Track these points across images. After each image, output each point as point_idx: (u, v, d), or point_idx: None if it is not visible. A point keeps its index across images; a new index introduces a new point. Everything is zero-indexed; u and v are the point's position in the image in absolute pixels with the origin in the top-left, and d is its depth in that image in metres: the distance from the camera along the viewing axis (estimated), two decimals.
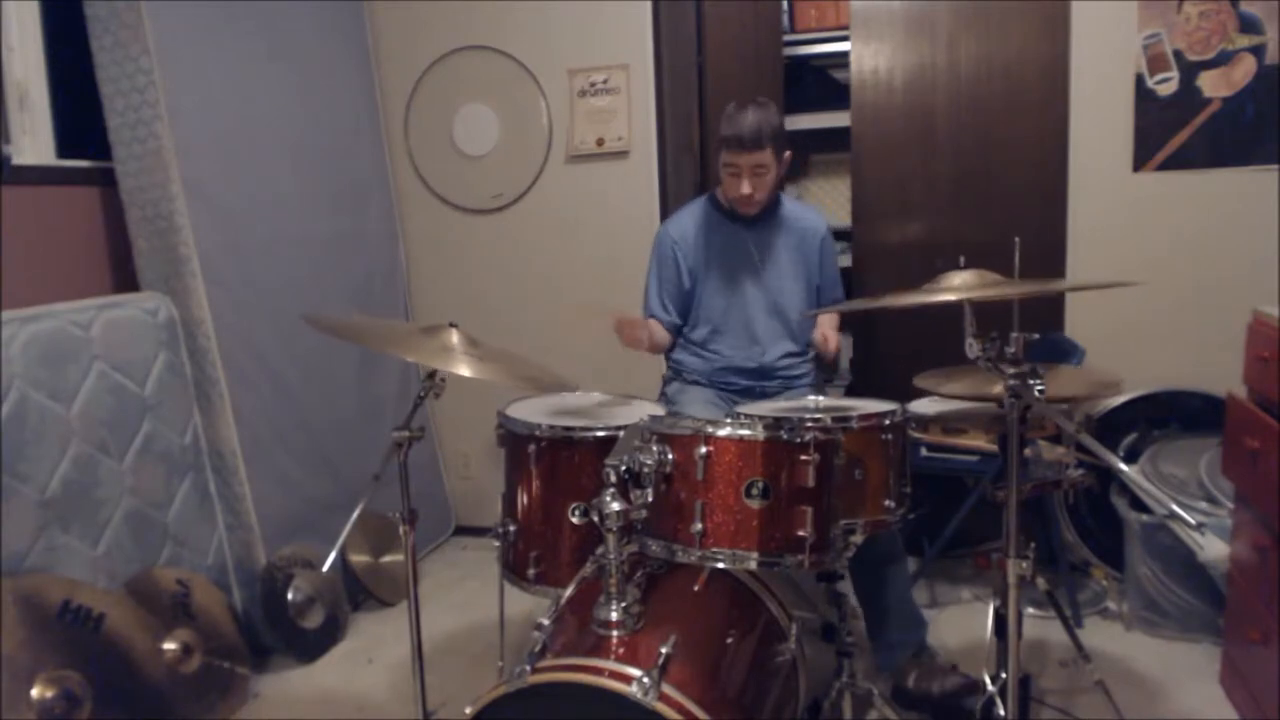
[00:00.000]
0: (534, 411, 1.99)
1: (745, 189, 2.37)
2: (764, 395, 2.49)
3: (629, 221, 3.22)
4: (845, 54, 3.12)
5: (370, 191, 3.27)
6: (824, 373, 2.73)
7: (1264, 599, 1.99)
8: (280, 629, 2.54)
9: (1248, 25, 2.68)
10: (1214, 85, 2.73)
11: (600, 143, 3.20)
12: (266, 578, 2.55)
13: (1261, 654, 2.00)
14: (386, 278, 3.33)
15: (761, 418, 1.74)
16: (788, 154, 2.44)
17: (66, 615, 1.97)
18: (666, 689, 1.36)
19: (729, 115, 2.36)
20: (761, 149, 2.32)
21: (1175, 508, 1.79)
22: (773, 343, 2.53)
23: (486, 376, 1.75)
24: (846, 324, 2.58)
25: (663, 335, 2.57)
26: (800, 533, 1.52)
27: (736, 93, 3.38)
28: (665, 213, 3.20)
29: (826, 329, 2.52)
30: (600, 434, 1.84)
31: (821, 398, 2.21)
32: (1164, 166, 2.80)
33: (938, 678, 2.14)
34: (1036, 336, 1.65)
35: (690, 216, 2.59)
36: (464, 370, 1.72)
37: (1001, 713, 1.68)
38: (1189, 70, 2.73)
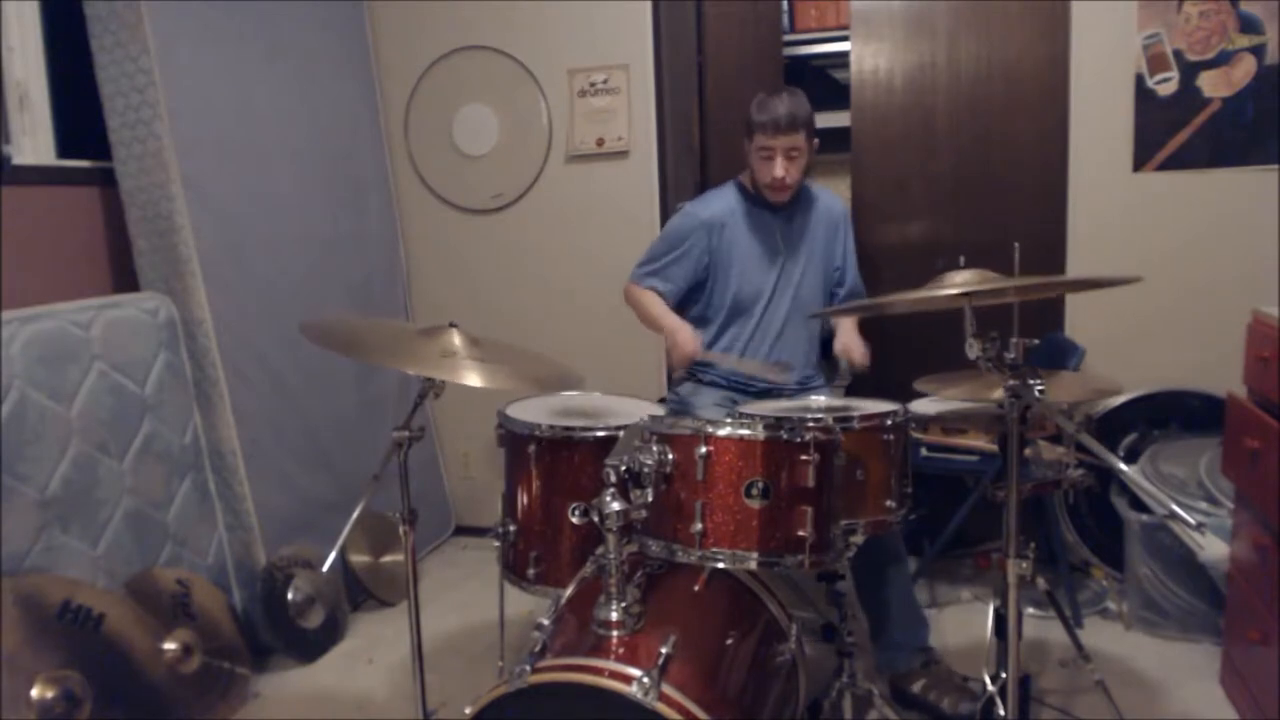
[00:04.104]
0: (534, 411, 1.99)
1: (779, 171, 2.38)
2: (780, 394, 2.49)
3: (629, 221, 3.22)
4: (845, 54, 3.12)
5: (370, 191, 3.27)
6: (831, 373, 2.74)
7: (1264, 599, 1.99)
8: (280, 629, 2.54)
9: (1248, 25, 2.68)
10: (1214, 85, 2.73)
11: (600, 143, 3.20)
12: (266, 578, 2.55)
13: (1261, 654, 2.00)
14: (386, 278, 3.33)
15: (762, 418, 1.74)
16: (816, 141, 2.45)
17: (66, 615, 1.97)
18: (666, 689, 1.36)
19: (761, 101, 2.37)
20: (796, 131, 2.35)
21: (1175, 508, 1.78)
22: (792, 336, 2.53)
23: (489, 383, 1.75)
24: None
25: (661, 306, 2.50)
26: (800, 533, 1.52)
27: (736, 93, 3.39)
28: (665, 213, 3.20)
29: (846, 339, 2.50)
30: (600, 434, 1.84)
31: (822, 398, 2.21)
32: (1164, 166, 2.80)
33: (949, 694, 2.14)
34: (1036, 342, 1.65)
35: (722, 201, 2.55)
36: (468, 380, 1.72)
37: (1001, 713, 1.68)
38: (1189, 70, 2.73)
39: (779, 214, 2.53)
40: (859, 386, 2.97)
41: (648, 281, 2.54)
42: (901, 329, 3.02)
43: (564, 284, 3.34)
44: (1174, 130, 2.77)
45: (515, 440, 1.92)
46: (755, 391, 2.52)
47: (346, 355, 1.94)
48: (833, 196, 2.66)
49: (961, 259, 1.82)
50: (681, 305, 2.57)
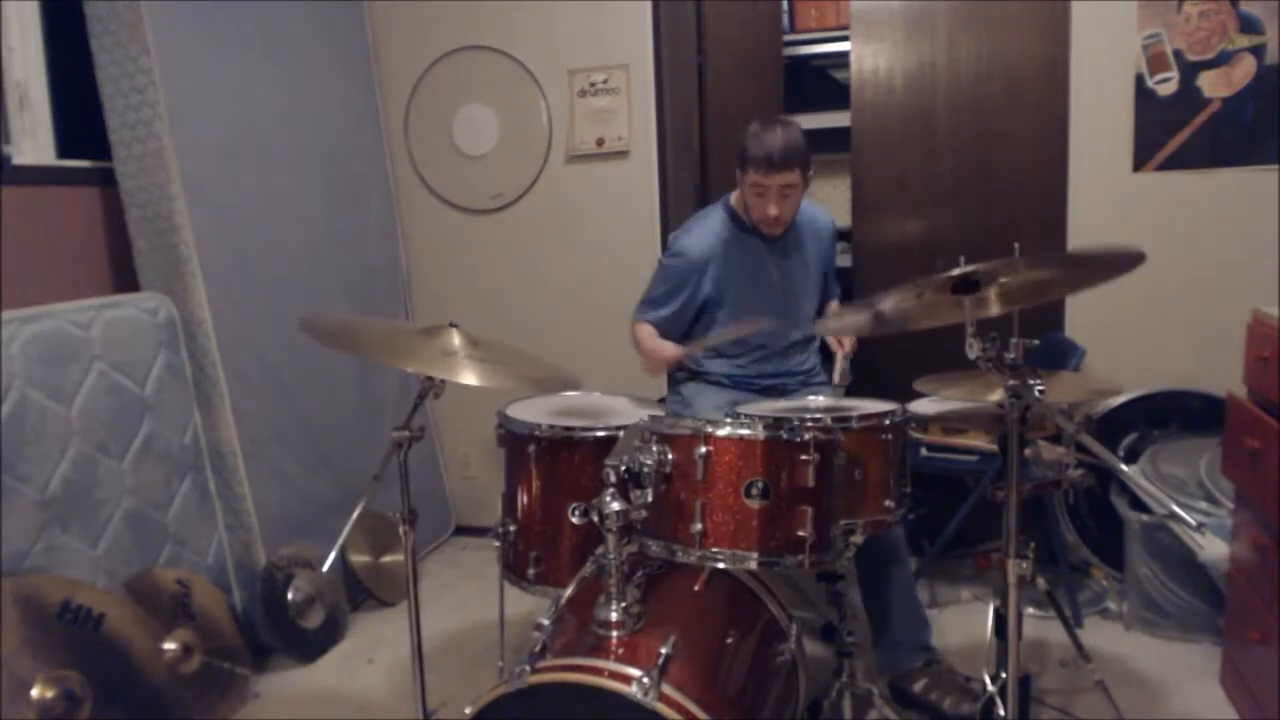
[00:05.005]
0: (534, 411, 1.99)
1: (773, 211, 2.33)
2: (784, 392, 2.50)
3: (629, 222, 3.22)
4: (845, 54, 3.12)
5: (370, 191, 3.27)
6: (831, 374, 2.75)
7: (1264, 599, 1.99)
8: (280, 629, 2.54)
9: (1248, 25, 2.68)
10: (1214, 85, 2.73)
11: (600, 143, 3.20)
12: (266, 578, 2.55)
13: (1261, 654, 2.00)
14: (386, 278, 3.33)
15: (761, 418, 1.74)
16: (811, 173, 2.39)
17: (66, 615, 1.97)
18: (666, 689, 1.36)
19: (755, 134, 2.31)
20: (791, 169, 2.28)
21: (1175, 508, 1.78)
22: (789, 349, 2.55)
23: (490, 383, 1.75)
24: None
25: (647, 334, 2.51)
26: (800, 533, 1.52)
27: (736, 93, 3.40)
28: (665, 213, 3.20)
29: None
30: (600, 434, 1.84)
31: (821, 398, 2.21)
32: (1164, 166, 2.80)
33: (951, 694, 2.13)
34: (1036, 342, 1.65)
35: (710, 233, 2.49)
36: (466, 378, 1.72)
37: (1001, 713, 1.68)
38: (1189, 70, 2.73)
39: (770, 240, 2.50)
40: (858, 386, 2.97)
41: (645, 316, 2.52)
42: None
43: (564, 284, 3.33)
44: (1174, 130, 2.77)
45: (515, 440, 1.92)
46: (760, 389, 2.52)
47: (347, 352, 1.93)
48: (820, 210, 2.65)
49: (961, 259, 1.82)
50: (690, 333, 2.56)
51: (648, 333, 2.50)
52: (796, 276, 2.54)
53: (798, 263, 2.55)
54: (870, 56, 3.05)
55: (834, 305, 2.68)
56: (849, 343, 2.50)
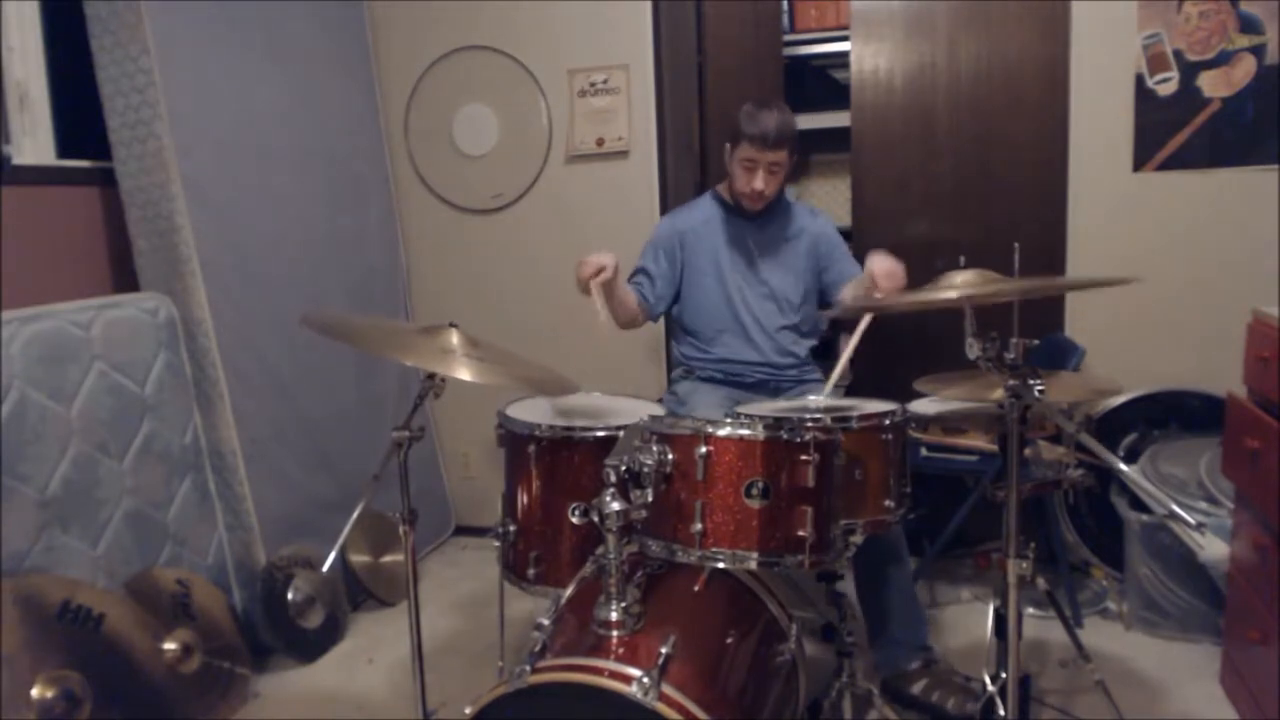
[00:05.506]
0: (534, 411, 1.99)
1: (758, 184, 2.41)
2: (778, 390, 2.51)
3: (629, 221, 3.21)
4: (845, 54, 3.12)
5: (370, 191, 3.27)
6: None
7: (1264, 599, 1.99)
8: (280, 629, 2.54)
9: (1248, 25, 2.68)
10: (1214, 85, 2.73)
11: (600, 143, 3.20)
12: (266, 578, 2.55)
13: (1261, 654, 2.00)
14: (386, 278, 3.33)
15: (761, 417, 1.74)
16: (795, 156, 2.48)
17: (66, 615, 1.97)
18: (666, 689, 1.36)
19: (749, 113, 2.40)
20: (781, 148, 2.39)
21: (1175, 508, 1.79)
22: (775, 332, 2.55)
23: (487, 380, 1.75)
24: (846, 323, 2.60)
25: (633, 302, 2.52)
26: (800, 533, 1.52)
27: (736, 93, 3.39)
28: (665, 213, 3.20)
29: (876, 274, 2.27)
30: (600, 434, 1.84)
31: (821, 397, 2.21)
32: (1164, 166, 2.80)
33: (952, 694, 2.13)
34: (1036, 342, 1.65)
35: (697, 212, 2.62)
36: (463, 374, 1.72)
37: (1001, 713, 1.68)
38: (1189, 70, 2.74)
39: (753, 221, 2.56)
40: (858, 386, 2.97)
41: (629, 283, 2.60)
42: (901, 329, 3.03)
43: (564, 284, 3.31)
44: (1174, 130, 2.77)
45: (515, 440, 1.92)
46: (750, 385, 2.53)
47: (347, 344, 1.93)
48: (819, 217, 2.64)
49: (962, 259, 1.82)
50: (678, 319, 2.65)
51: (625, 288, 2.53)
52: (775, 250, 2.57)
53: (778, 239, 2.57)
54: (870, 56, 3.05)
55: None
56: (881, 276, 2.22)
